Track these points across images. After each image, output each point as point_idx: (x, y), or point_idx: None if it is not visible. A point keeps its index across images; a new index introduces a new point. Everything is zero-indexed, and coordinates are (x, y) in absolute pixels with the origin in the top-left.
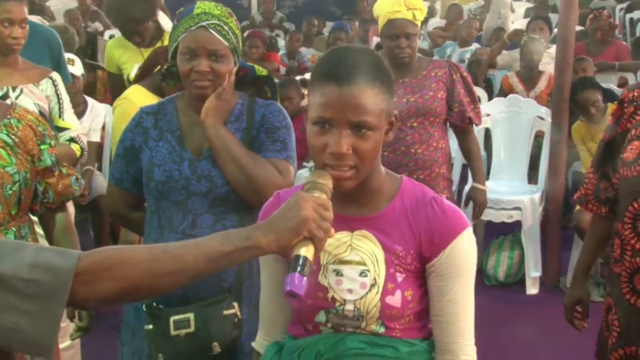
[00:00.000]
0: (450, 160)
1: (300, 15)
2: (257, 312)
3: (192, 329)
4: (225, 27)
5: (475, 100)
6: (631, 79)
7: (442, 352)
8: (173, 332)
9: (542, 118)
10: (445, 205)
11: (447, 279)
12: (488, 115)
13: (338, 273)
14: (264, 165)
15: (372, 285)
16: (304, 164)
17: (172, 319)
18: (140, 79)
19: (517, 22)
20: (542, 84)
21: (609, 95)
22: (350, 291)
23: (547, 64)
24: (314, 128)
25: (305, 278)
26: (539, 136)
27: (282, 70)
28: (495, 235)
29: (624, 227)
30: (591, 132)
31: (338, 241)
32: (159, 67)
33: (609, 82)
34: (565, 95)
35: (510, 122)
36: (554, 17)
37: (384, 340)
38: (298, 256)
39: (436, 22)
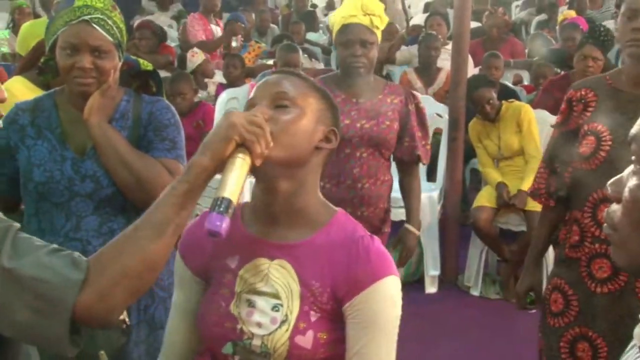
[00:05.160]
0: (391, 192)
1: (196, 6)
2: (146, 316)
3: None
4: (109, 22)
5: (427, 136)
6: (525, 76)
7: None
8: None
9: (440, 115)
10: (372, 247)
11: (358, 328)
12: None
13: (250, 304)
14: (153, 165)
15: (283, 322)
16: None
17: None
18: (24, 69)
19: (416, 17)
20: (440, 81)
21: (505, 93)
22: (259, 325)
23: (445, 60)
24: None
25: (225, 217)
26: (437, 133)
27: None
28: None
29: (584, 215)
30: (487, 129)
31: (256, 268)
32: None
33: (505, 79)
34: (462, 93)
35: None
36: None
37: None
38: (217, 198)
39: None
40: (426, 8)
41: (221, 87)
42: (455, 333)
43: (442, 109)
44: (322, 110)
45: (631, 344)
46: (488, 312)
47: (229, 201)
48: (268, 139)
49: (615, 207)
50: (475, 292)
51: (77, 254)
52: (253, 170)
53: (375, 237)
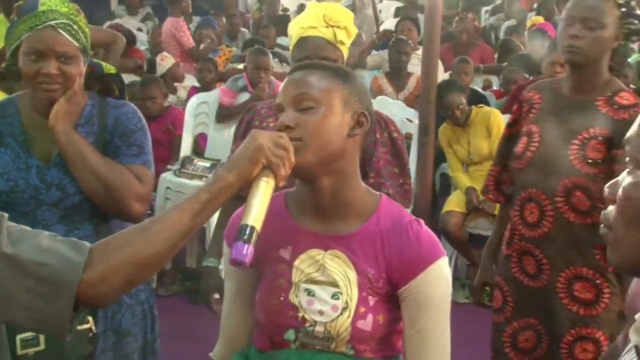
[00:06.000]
0: None
1: (165, 10)
2: (113, 324)
3: (42, 347)
4: (75, 27)
5: (405, 173)
6: (495, 81)
7: None
8: (20, 352)
9: (410, 120)
10: (422, 232)
11: (416, 309)
12: None
13: (310, 293)
14: (121, 172)
15: (344, 309)
16: (169, 167)
17: (18, 337)
18: None
19: (387, 21)
20: (411, 86)
21: (474, 98)
22: (321, 313)
23: (416, 66)
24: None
25: (249, 246)
26: (407, 138)
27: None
28: None
29: (514, 214)
30: (456, 134)
31: (311, 259)
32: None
33: (475, 84)
34: (432, 98)
35: None
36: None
37: None
38: (243, 225)
39: None
40: (397, 13)
41: (194, 91)
42: None
43: (413, 114)
44: (347, 96)
45: (629, 346)
46: (457, 316)
47: (253, 229)
48: (292, 160)
49: (610, 208)
50: None
51: (75, 239)
52: (294, 174)
53: (421, 220)
